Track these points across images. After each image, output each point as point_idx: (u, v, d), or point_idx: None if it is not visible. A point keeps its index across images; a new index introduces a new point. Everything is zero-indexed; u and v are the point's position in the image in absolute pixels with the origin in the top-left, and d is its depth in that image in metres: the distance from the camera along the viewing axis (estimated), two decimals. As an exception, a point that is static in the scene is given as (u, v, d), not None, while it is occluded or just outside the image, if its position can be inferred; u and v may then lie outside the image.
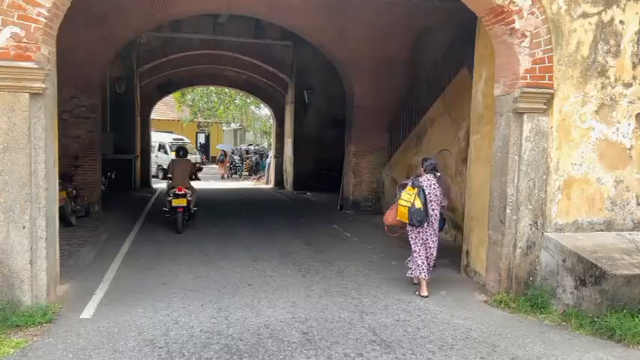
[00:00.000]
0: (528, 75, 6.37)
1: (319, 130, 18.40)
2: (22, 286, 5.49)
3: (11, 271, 5.45)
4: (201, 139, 44.09)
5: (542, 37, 6.35)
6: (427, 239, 6.95)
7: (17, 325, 5.27)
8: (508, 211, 6.63)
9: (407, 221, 6.79)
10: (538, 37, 6.34)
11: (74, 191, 11.02)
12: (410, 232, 7.00)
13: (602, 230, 6.71)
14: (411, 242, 7.02)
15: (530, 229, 6.58)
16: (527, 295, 6.45)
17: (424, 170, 7.00)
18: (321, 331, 5.52)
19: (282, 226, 11.94)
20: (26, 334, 5.19)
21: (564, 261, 6.29)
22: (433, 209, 6.85)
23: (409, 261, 7.17)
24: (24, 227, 5.43)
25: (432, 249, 6.99)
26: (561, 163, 6.56)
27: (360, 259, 8.74)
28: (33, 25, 5.30)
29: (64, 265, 7.26)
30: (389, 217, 7.29)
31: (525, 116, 6.48)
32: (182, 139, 31.28)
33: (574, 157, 6.58)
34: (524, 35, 6.32)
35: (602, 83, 6.57)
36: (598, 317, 5.71)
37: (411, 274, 7.10)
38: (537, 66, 6.38)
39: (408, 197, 6.75)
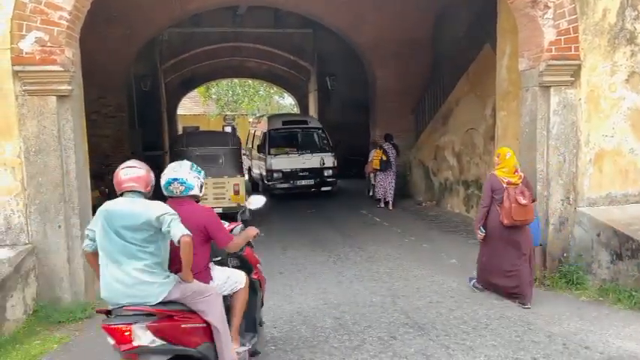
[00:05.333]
0: (553, 47, 6.21)
1: (343, 115, 18.28)
2: (62, 284, 5.66)
3: (50, 270, 5.63)
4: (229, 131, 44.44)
5: (566, 6, 6.16)
6: (387, 179, 12.11)
7: (59, 322, 5.45)
8: (539, 187, 6.51)
9: (378, 167, 12.08)
10: (562, 8, 6.16)
11: (107, 190, 11.24)
12: (378, 175, 12.33)
13: (637, 202, 6.53)
14: (378, 180, 12.38)
15: (562, 205, 6.46)
16: (562, 271, 6.34)
17: (385, 140, 12.40)
18: (353, 316, 5.55)
19: (311, 213, 11.99)
20: (68, 329, 5.37)
21: (599, 235, 6.17)
22: (391, 162, 11.99)
23: (376, 192, 12.55)
24: (60, 227, 5.59)
25: (391, 184, 12.15)
26: (592, 136, 6.40)
27: (390, 243, 8.73)
28: (56, 28, 5.40)
29: (101, 261, 7.44)
30: (368, 168, 13.02)
31: (552, 90, 6.33)
32: None
33: (605, 128, 6.41)
34: (547, 6, 6.15)
35: (632, 51, 6.37)
36: (636, 291, 5.60)
37: (377, 196, 12.43)
38: (562, 37, 6.21)
39: (377, 155, 12.23)
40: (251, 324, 4.27)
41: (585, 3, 6.21)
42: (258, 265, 4.47)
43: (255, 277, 4.32)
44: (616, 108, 6.41)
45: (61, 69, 5.43)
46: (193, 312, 3.51)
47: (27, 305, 5.44)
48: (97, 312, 3.55)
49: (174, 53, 18.24)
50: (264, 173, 13.92)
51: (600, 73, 6.34)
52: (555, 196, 6.45)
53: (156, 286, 3.35)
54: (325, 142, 14.59)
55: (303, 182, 13.77)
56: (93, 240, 3.53)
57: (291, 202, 13.89)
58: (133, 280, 3.31)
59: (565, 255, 6.47)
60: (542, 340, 4.84)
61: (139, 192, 3.52)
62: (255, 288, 4.29)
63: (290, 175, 13.62)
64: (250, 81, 30.67)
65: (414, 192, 13.47)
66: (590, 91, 6.36)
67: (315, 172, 13.79)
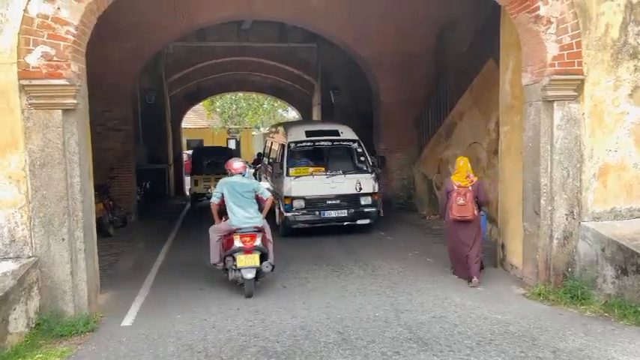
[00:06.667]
0: (556, 62, 6.24)
1: (347, 129, 18.33)
2: (65, 297, 5.67)
3: (53, 283, 5.63)
4: (232, 145, 44.58)
5: (569, 22, 6.20)
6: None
7: (61, 335, 5.44)
8: (542, 201, 6.50)
9: None
10: (564, 23, 6.19)
11: (111, 202, 11.28)
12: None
13: (642, 217, 6.51)
14: None
15: (566, 219, 6.44)
16: (567, 286, 6.31)
17: (372, 154, 12.10)
18: (357, 330, 5.52)
19: (315, 227, 11.94)
20: (70, 343, 5.36)
21: (603, 250, 6.13)
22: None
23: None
24: (63, 240, 5.61)
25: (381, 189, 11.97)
26: (595, 150, 6.40)
27: (394, 257, 8.69)
28: (62, 43, 5.46)
29: (104, 274, 7.45)
30: None
31: (555, 104, 6.34)
32: None
33: (609, 143, 6.41)
34: (549, 22, 6.19)
35: (635, 65, 6.38)
36: (642, 307, 5.55)
37: None
38: (565, 52, 6.23)
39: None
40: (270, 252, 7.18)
41: (588, 18, 6.24)
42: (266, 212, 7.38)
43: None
44: (620, 122, 6.40)
45: (67, 83, 5.48)
46: (264, 232, 7.06)
47: (29, 318, 5.43)
48: (231, 232, 6.89)
49: (180, 67, 18.37)
50: (281, 197, 10.50)
51: (604, 87, 6.35)
52: (559, 210, 6.43)
53: (259, 219, 7.02)
54: (363, 159, 11.15)
55: (333, 214, 10.41)
56: (219, 198, 7.05)
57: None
58: (252, 215, 6.94)
59: (570, 270, 6.44)
60: (547, 356, 4.80)
61: (243, 174, 7.07)
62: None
63: (315, 204, 10.35)
64: (255, 94, 30.82)
65: (418, 205, 13.45)
66: (594, 106, 6.36)
67: (350, 200, 10.44)
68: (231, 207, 6.90)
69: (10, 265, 5.40)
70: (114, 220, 11.33)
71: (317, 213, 10.36)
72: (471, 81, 10.81)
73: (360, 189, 10.45)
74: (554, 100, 6.33)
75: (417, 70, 13.47)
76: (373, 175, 10.84)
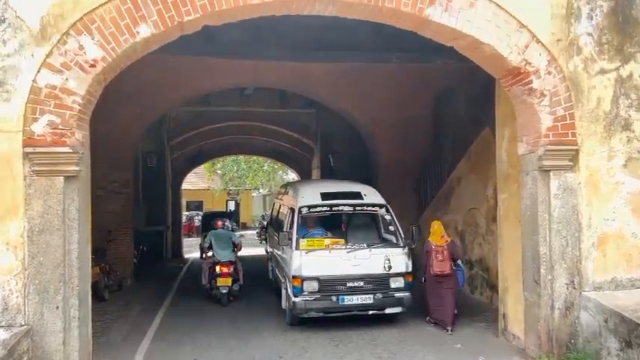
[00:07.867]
0: (551, 133, 6.37)
1: (346, 192, 18.34)
2: (55, 368, 5.50)
3: (45, 353, 5.48)
4: (232, 206, 44.62)
5: (562, 95, 6.38)
6: None
7: (50, 408, 5.25)
8: (542, 270, 6.45)
9: None
10: (557, 96, 6.38)
11: (107, 266, 11.16)
12: None
13: (643, 287, 6.44)
14: None
15: (567, 289, 6.37)
16: (570, 358, 6.16)
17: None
18: (355, 405, 5.34)
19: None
20: (59, 417, 5.16)
21: (606, 321, 6.03)
22: None
23: None
24: (57, 308, 5.51)
25: None
26: (593, 219, 6.42)
27: (394, 325, 8.52)
28: (68, 112, 5.58)
29: (97, 342, 7.25)
30: None
31: (552, 173, 6.42)
32: None
33: (606, 212, 6.44)
34: (543, 94, 6.37)
35: (628, 137, 6.51)
36: (648, 382, 5.40)
37: None
38: (559, 124, 6.38)
39: None
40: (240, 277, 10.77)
41: (580, 91, 6.43)
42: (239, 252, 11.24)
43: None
44: (616, 192, 6.46)
45: (71, 151, 5.56)
46: (236, 264, 10.76)
47: (18, 391, 5.26)
48: (215, 264, 10.53)
49: (182, 130, 18.65)
50: (288, 276, 8.57)
51: (598, 158, 6.45)
52: (560, 280, 6.37)
53: (234, 255, 10.94)
54: (392, 229, 9.12)
55: (355, 299, 8.22)
56: (208, 243, 11.17)
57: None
58: (229, 253, 10.88)
59: (573, 341, 6.30)
60: None
61: (223, 228, 11.68)
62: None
63: (332, 287, 8.22)
64: (255, 157, 31.21)
65: (417, 270, 13.28)
66: (590, 176, 6.44)
67: (377, 282, 8.30)
68: (216, 248, 10.87)
69: (1, 334, 5.27)
70: (109, 284, 11.17)
71: (334, 299, 8.20)
72: (468, 146, 10.98)
73: (390, 267, 8.32)
74: (550, 170, 6.41)
75: (415, 134, 13.68)
76: (406, 251, 8.65)
